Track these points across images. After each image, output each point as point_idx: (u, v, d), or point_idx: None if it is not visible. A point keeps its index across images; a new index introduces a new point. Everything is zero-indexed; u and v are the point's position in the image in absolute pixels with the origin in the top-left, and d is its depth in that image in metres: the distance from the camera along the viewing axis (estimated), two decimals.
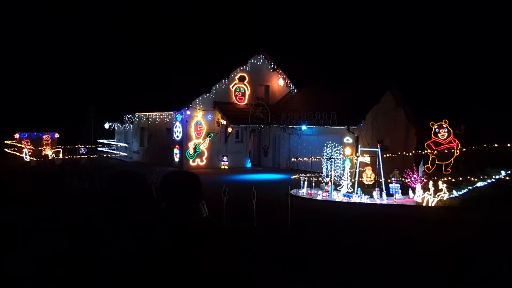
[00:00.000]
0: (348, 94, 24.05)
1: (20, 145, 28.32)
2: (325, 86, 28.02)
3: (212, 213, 11.84)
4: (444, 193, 14.88)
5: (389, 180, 16.99)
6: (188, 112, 24.17)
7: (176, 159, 24.56)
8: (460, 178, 16.77)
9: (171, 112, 24.98)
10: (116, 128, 32.44)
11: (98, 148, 30.24)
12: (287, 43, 39.53)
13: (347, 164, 18.12)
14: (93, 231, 7.16)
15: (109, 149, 31.29)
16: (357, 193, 15.94)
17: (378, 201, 15.52)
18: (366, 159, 17.83)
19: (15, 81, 41.73)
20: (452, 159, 19.01)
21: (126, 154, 30.00)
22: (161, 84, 31.48)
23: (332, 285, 6.72)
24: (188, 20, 49.20)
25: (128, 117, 29.91)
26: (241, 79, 26.39)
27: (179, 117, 24.08)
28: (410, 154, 22.84)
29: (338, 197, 16.12)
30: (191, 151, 24.40)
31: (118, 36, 46.58)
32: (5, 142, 30.33)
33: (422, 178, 15.96)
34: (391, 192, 16.28)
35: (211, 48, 36.11)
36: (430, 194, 14.77)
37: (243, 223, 10.96)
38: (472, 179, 16.42)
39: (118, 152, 30.46)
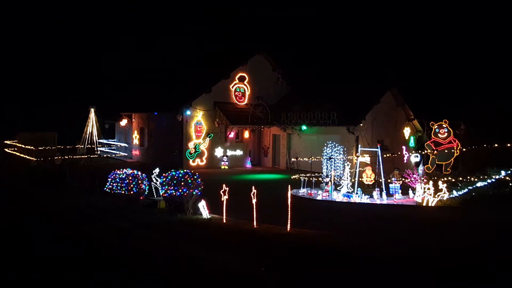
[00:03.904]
0: (348, 94, 24.06)
1: (20, 144, 28.31)
2: (325, 86, 28.03)
3: (212, 213, 11.85)
4: (444, 193, 14.88)
5: (389, 180, 16.99)
6: (188, 112, 24.17)
7: (177, 159, 24.59)
8: (460, 178, 16.78)
9: (171, 112, 25.01)
10: (116, 128, 32.45)
11: (98, 148, 30.23)
12: (287, 43, 39.49)
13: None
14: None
15: (109, 149, 31.29)
16: (357, 193, 15.94)
17: (378, 201, 15.52)
18: (366, 159, 17.83)
19: (15, 81, 41.73)
20: (452, 159, 19.03)
21: (126, 154, 30.00)
22: (162, 84, 31.46)
23: (332, 285, 6.72)
24: (188, 20, 49.20)
25: (128, 117, 29.90)
26: (241, 79, 26.39)
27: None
28: (410, 154, 22.85)
29: (338, 197, 16.12)
30: (191, 151, 24.41)
31: (118, 35, 46.58)
32: (5, 142, 30.31)
33: (422, 178, 15.96)
34: (391, 192, 16.28)
35: (211, 48, 36.05)
36: (430, 194, 14.77)
37: (243, 223, 10.97)
38: (472, 179, 16.42)
39: (118, 152, 30.46)
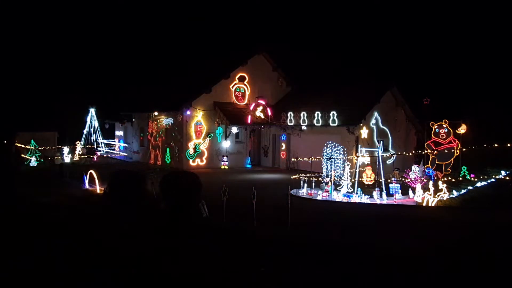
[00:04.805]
0: (348, 94, 24.04)
1: (21, 144, 28.30)
2: (325, 86, 28.01)
3: (212, 213, 11.84)
4: (444, 193, 14.88)
5: (389, 180, 16.98)
6: (188, 112, 24.17)
7: (177, 159, 24.59)
8: (460, 178, 16.79)
9: (171, 112, 25.03)
10: (116, 128, 32.49)
11: (98, 148, 30.26)
12: (287, 43, 39.49)
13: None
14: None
15: (109, 149, 31.29)
16: (357, 193, 15.94)
17: (378, 201, 15.52)
18: (366, 159, 17.83)
19: (15, 81, 41.69)
20: (452, 159, 19.03)
21: (126, 154, 30.01)
22: (161, 84, 31.49)
23: (332, 285, 6.72)
24: (188, 20, 49.21)
25: (128, 117, 29.93)
26: (241, 79, 26.40)
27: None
28: (410, 154, 22.86)
29: (338, 197, 16.12)
30: (191, 151, 24.41)
31: (118, 35, 46.60)
32: (5, 142, 30.28)
33: (422, 178, 15.95)
34: (391, 192, 16.27)
35: (211, 48, 36.11)
36: (430, 194, 14.77)
37: (243, 223, 10.97)
38: (472, 179, 16.43)
39: (118, 152, 30.47)
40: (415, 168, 16.36)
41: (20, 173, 22.45)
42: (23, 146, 27.89)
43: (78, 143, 28.90)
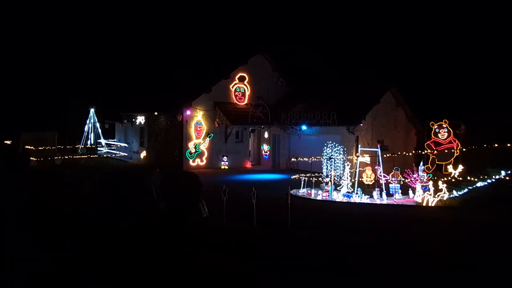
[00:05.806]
0: (348, 94, 24.04)
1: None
2: (325, 86, 28.00)
3: (212, 213, 11.84)
4: (444, 193, 14.88)
5: (389, 180, 16.98)
6: (188, 112, 24.17)
7: (177, 159, 24.59)
8: (460, 178, 16.78)
9: (171, 112, 25.01)
10: (116, 128, 32.48)
11: (98, 148, 30.24)
12: (287, 43, 39.48)
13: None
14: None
15: (109, 149, 31.28)
16: (357, 193, 15.94)
17: (378, 201, 15.52)
18: (366, 159, 17.83)
19: (15, 81, 41.73)
20: (452, 159, 19.02)
21: (126, 154, 29.99)
22: (161, 84, 31.48)
23: (332, 285, 6.72)
24: (188, 20, 49.21)
25: (128, 117, 29.92)
26: (241, 79, 26.39)
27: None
28: (410, 154, 22.85)
29: (338, 197, 16.12)
30: (191, 151, 24.40)
31: (119, 35, 46.61)
32: (5, 142, 30.29)
33: (422, 178, 15.95)
34: (391, 192, 16.28)
35: (211, 48, 36.09)
36: (430, 194, 14.77)
37: (243, 223, 10.96)
38: (472, 179, 16.42)
39: (118, 152, 30.46)
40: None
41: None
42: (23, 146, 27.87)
43: (78, 143, 28.91)
